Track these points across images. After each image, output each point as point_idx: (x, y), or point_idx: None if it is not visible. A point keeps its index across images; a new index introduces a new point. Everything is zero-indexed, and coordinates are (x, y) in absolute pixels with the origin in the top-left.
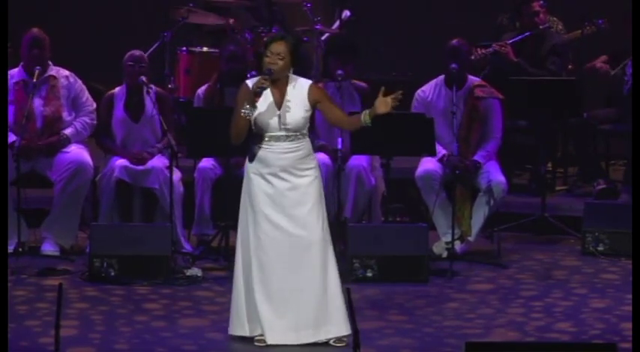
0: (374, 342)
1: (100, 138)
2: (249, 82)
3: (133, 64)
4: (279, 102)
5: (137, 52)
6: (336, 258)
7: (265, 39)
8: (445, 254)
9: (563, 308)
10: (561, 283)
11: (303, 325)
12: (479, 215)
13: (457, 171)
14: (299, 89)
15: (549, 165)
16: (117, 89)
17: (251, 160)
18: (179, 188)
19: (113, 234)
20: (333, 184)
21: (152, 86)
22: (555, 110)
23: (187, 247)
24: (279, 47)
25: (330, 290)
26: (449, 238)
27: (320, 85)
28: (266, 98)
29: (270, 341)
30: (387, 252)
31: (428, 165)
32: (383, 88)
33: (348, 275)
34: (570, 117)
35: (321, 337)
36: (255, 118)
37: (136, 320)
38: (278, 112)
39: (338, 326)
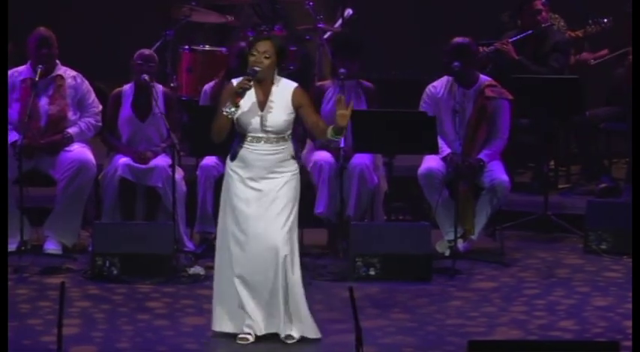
0: (376, 341)
1: (106, 135)
2: (235, 81)
3: (142, 63)
4: (263, 103)
5: (147, 51)
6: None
7: (251, 39)
8: (448, 252)
9: (566, 306)
10: (564, 281)
11: (276, 314)
12: (482, 213)
13: (458, 170)
14: (283, 91)
15: (552, 163)
16: (125, 87)
17: (232, 159)
18: (182, 186)
19: (116, 233)
20: (336, 183)
21: (156, 84)
22: (558, 108)
23: (190, 245)
24: (265, 46)
25: (294, 291)
26: (452, 236)
27: (327, 82)
28: (249, 98)
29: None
30: (390, 251)
31: (431, 163)
32: (342, 97)
33: (350, 274)
34: (573, 115)
35: (292, 332)
36: (238, 118)
37: (138, 318)
38: (260, 113)
39: (309, 328)
